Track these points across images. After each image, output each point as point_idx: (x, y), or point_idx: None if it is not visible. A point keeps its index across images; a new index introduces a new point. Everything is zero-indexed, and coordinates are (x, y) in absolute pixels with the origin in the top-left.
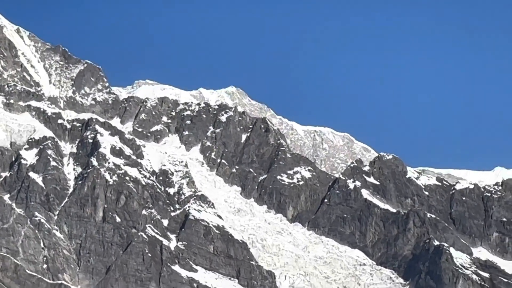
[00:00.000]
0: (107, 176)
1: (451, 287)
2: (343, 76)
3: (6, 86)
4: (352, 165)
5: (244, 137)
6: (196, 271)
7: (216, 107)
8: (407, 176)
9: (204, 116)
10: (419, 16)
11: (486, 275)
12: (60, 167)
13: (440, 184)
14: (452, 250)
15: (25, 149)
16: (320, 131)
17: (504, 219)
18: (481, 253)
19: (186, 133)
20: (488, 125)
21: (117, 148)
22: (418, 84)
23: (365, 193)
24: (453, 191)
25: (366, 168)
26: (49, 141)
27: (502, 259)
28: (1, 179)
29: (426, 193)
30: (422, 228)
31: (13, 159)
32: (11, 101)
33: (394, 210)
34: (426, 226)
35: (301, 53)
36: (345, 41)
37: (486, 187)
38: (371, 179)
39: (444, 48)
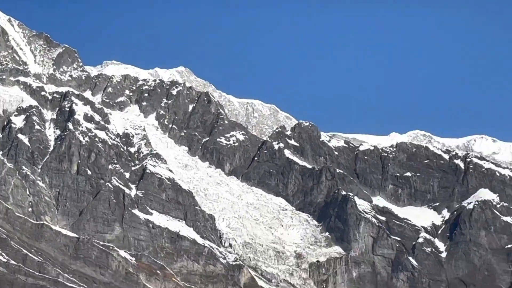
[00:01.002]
0: (81, 138)
1: (355, 228)
2: (269, 55)
3: None
4: (277, 130)
5: (190, 107)
6: (151, 214)
7: (169, 83)
8: (320, 139)
9: (159, 90)
10: None
11: (383, 218)
12: (43, 130)
13: (347, 146)
14: (356, 198)
15: (15, 115)
16: (251, 103)
17: (398, 174)
18: (379, 201)
19: (144, 103)
20: (385, 96)
21: (89, 115)
22: (329, 64)
23: (287, 153)
24: (357, 151)
25: (288, 133)
26: (34, 109)
27: (395, 206)
28: None
29: (336, 153)
30: (332, 181)
31: (5, 124)
32: (3, 76)
33: (310, 166)
34: (336, 179)
35: (236, 39)
36: (273, 23)
37: (384, 148)
38: (292, 142)
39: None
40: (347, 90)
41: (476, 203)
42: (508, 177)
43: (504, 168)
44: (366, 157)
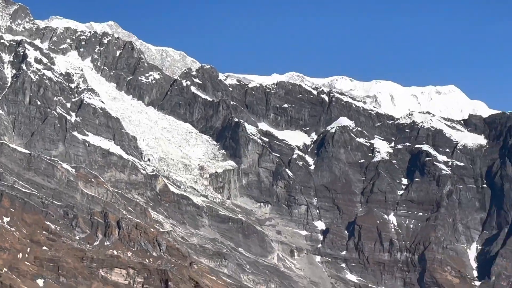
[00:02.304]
0: (32, 76)
1: (244, 147)
2: (177, 9)
3: None
4: (185, 71)
5: (118, 53)
6: (87, 135)
7: (101, 34)
8: (218, 78)
9: (93, 39)
10: None
11: (266, 139)
12: (2, 70)
13: (239, 83)
14: (245, 124)
15: None
16: (165, 50)
17: (277, 106)
18: (263, 125)
19: (82, 50)
20: (268, 42)
21: (38, 58)
22: (227, 16)
23: (193, 89)
24: (247, 88)
25: (194, 73)
26: None
27: (276, 130)
28: None
29: (230, 89)
30: (227, 111)
31: None
32: None
33: (210, 99)
34: (230, 109)
35: None
36: None
37: (267, 85)
38: (197, 80)
39: None
40: (240, 37)
41: (337, 127)
42: (362, 108)
43: (358, 101)
44: (253, 92)
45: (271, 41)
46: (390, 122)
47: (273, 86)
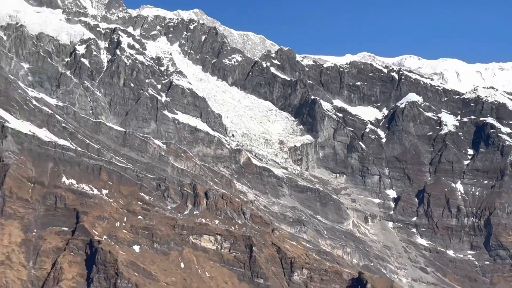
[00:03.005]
0: (126, 60)
1: (321, 122)
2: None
3: (66, 8)
4: (265, 53)
5: (203, 38)
6: (177, 114)
7: (187, 20)
8: (296, 60)
9: (181, 26)
10: None
11: (340, 115)
12: (98, 55)
13: (315, 64)
14: (321, 101)
15: (78, 45)
16: (246, 34)
17: (351, 83)
18: (338, 102)
19: (170, 35)
20: (342, 25)
21: (131, 44)
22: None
23: (272, 69)
24: (322, 68)
25: (273, 55)
26: (92, 40)
27: (350, 106)
28: (64, 62)
29: (307, 69)
30: (305, 89)
31: (71, 51)
32: (70, 17)
33: (288, 79)
34: (307, 87)
35: None
36: None
37: (341, 65)
38: (276, 61)
39: None
40: (315, 20)
41: (407, 103)
42: (429, 85)
43: (426, 78)
44: (328, 72)
45: (345, 24)
46: (456, 97)
47: (346, 65)
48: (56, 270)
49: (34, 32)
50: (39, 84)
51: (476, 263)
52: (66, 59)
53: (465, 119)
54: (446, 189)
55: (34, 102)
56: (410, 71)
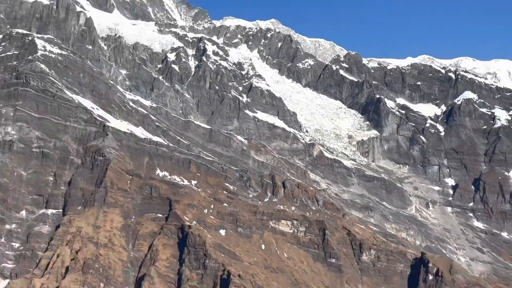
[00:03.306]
0: (211, 66)
1: (385, 119)
2: (327, 5)
3: (158, 21)
4: (334, 58)
5: (279, 44)
6: (256, 112)
7: (265, 29)
8: (362, 62)
9: (259, 34)
10: None
11: (403, 112)
12: (187, 61)
13: (379, 66)
14: (385, 99)
15: (169, 53)
16: (318, 40)
17: (412, 83)
18: (400, 100)
19: (250, 43)
20: (403, 30)
21: (215, 51)
22: (366, 10)
23: (341, 72)
24: (386, 69)
25: (342, 59)
26: (181, 49)
27: (411, 103)
28: (157, 68)
29: (372, 71)
30: (370, 89)
31: (163, 58)
32: (162, 28)
33: (356, 80)
34: (372, 88)
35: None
36: None
37: (403, 67)
38: (344, 64)
39: None
40: (380, 26)
41: (463, 100)
42: (483, 83)
43: (480, 77)
44: (391, 73)
45: (406, 29)
46: (508, 94)
47: (408, 67)
48: (152, 251)
49: (131, 42)
50: (135, 88)
51: None
52: (159, 66)
53: None
54: (499, 177)
55: (131, 104)
56: (465, 71)
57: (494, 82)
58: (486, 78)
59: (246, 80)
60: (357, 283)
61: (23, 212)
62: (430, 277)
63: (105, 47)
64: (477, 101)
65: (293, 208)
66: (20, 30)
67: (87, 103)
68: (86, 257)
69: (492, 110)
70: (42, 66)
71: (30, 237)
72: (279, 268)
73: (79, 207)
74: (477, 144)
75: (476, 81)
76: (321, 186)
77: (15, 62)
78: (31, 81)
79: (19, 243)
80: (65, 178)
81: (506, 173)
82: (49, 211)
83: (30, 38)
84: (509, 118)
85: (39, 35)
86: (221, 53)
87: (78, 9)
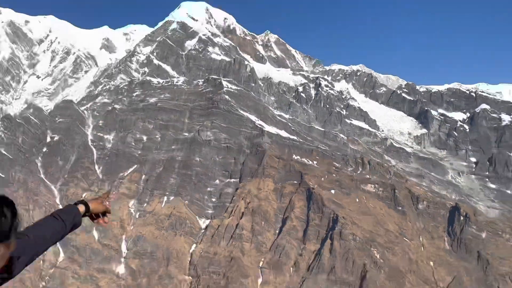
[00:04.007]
0: (323, 93)
1: (431, 122)
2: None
3: (291, 67)
4: (398, 85)
5: (365, 79)
6: (352, 120)
7: (356, 70)
8: (416, 88)
9: (352, 73)
10: None
11: (443, 117)
12: (309, 91)
13: (427, 90)
14: (431, 110)
15: (299, 86)
16: (388, 76)
17: (447, 100)
18: (441, 111)
19: (347, 78)
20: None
21: (327, 84)
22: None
23: (403, 94)
24: (431, 92)
25: (403, 86)
26: (305, 84)
27: (448, 112)
28: (292, 95)
29: (423, 93)
30: (421, 104)
31: (295, 90)
32: (294, 71)
33: (412, 99)
34: (423, 104)
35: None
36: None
37: (442, 90)
38: (404, 89)
39: None
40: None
41: (481, 109)
42: (493, 98)
43: (491, 95)
44: (435, 94)
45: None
46: (510, 105)
47: (444, 90)
48: (291, 203)
49: (276, 80)
50: (279, 108)
51: None
52: (293, 94)
53: None
54: (505, 157)
55: (277, 117)
56: (481, 91)
57: (500, 97)
58: (495, 95)
59: (345, 101)
60: (416, 222)
61: (217, 181)
62: (461, 218)
63: (262, 84)
64: (489, 110)
65: (374, 177)
66: (213, 76)
67: (253, 117)
68: (253, 206)
69: (500, 115)
70: (226, 96)
71: (222, 195)
72: (367, 213)
73: (249, 178)
74: (490, 137)
75: (489, 97)
76: (391, 163)
77: (210, 95)
78: (220, 105)
79: (215, 198)
80: (240, 160)
81: (509, 154)
82: (232, 180)
83: (219, 81)
84: (511, 119)
85: (225, 79)
86: (329, 85)
87: (246, 62)
